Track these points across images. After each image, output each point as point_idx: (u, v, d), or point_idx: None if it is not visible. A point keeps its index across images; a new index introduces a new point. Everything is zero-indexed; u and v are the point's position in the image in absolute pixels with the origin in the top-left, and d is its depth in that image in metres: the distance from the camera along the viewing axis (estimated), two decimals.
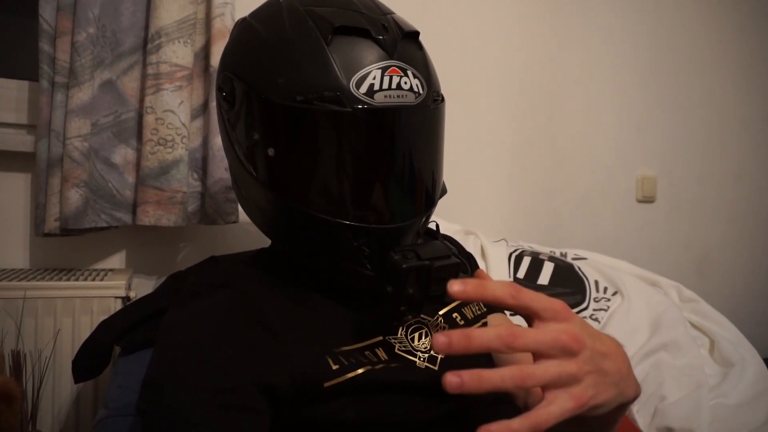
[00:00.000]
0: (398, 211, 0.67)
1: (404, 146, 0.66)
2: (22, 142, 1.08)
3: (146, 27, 1.07)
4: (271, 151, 0.64)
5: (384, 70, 0.63)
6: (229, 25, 1.08)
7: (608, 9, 1.65)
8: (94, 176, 1.04)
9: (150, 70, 1.04)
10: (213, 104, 1.08)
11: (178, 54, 1.05)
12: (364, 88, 0.62)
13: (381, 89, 0.62)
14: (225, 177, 1.09)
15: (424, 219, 0.70)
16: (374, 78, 0.62)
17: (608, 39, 1.66)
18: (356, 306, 0.70)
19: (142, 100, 1.06)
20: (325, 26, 0.63)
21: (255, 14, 0.72)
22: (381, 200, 0.66)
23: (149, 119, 1.04)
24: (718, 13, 1.84)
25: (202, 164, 1.11)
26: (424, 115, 0.67)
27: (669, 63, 1.76)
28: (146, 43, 1.06)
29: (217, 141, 1.08)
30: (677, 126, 1.78)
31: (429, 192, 0.71)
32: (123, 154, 1.07)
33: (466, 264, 0.65)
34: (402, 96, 0.64)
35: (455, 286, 0.48)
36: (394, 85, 0.63)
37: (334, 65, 0.62)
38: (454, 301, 0.79)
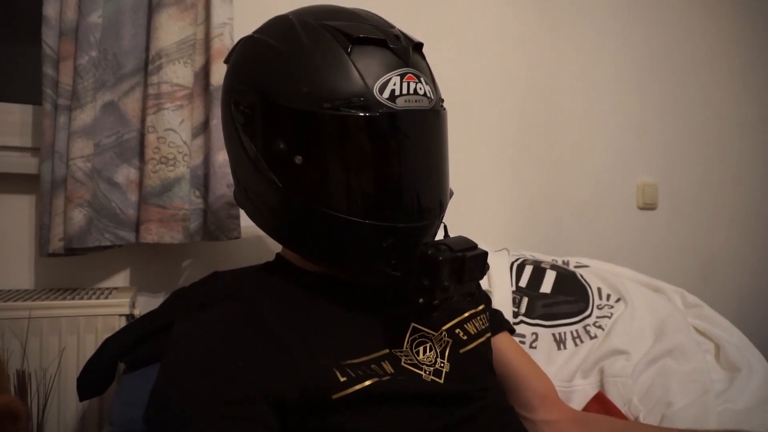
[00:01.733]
0: (423, 210, 0.70)
1: (424, 148, 0.70)
2: (26, 164, 1.09)
3: (147, 49, 1.09)
4: (298, 159, 0.67)
5: (402, 76, 0.67)
6: (228, 44, 1.10)
7: (605, 17, 1.67)
8: (97, 196, 1.05)
9: (151, 91, 1.06)
10: (214, 122, 1.10)
11: (179, 74, 1.07)
12: (386, 94, 0.66)
13: (402, 94, 0.66)
14: (227, 194, 1.10)
15: (440, 219, 0.74)
16: (395, 84, 0.66)
17: (606, 47, 1.67)
18: (361, 317, 0.70)
19: (143, 120, 1.08)
20: (343, 37, 0.67)
21: (263, 31, 0.74)
22: (408, 200, 0.70)
23: (151, 138, 1.06)
24: (715, 18, 1.85)
25: (203, 181, 1.13)
26: (437, 119, 0.71)
27: (667, 69, 1.77)
28: (147, 65, 1.08)
29: (218, 158, 1.10)
30: (677, 132, 1.79)
31: (445, 192, 0.75)
32: (125, 174, 1.09)
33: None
34: (419, 100, 0.68)
35: None
36: (411, 91, 0.67)
37: (357, 73, 0.65)
38: (460, 315, 0.80)
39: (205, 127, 1.13)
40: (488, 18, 1.52)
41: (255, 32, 0.75)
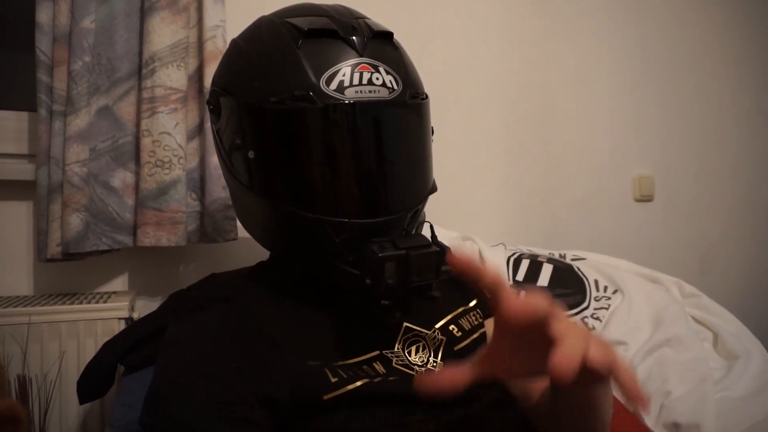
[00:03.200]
0: (376, 206, 0.67)
1: (380, 140, 0.67)
2: (22, 171, 1.10)
3: (140, 53, 1.09)
4: (251, 154, 0.67)
5: (354, 67, 0.65)
6: (221, 47, 1.11)
7: (600, 10, 1.67)
8: (94, 200, 1.06)
9: (145, 95, 1.06)
10: (208, 125, 1.10)
11: (172, 77, 1.08)
12: (334, 85, 0.64)
13: (351, 85, 0.64)
14: (223, 196, 1.10)
15: (410, 216, 0.70)
16: (344, 75, 0.64)
17: (600, 39, 1.68)
18: (352, 318, 0.70)
19: (138, 124, 1.09)
20: (295, 31, 0.67)
21: (241, 34, 0.76)
22: (357, 195, 0.67)
23: (146, 142, 1.06)
24: (709, 11, 1.86)
25: (199, 184, 1.13)
26: (401, 111, 0.68)
27: (660, 61, 1.78)
28: (141, 69, 1.08)
29: (213, 160, 1.10)
30: (671, 124, 1.79)
31: (412, 187, 0.71)
32: (122, 178, 1.09)
33: (445, 252, 0.66)
34: (374, 91, 0.65)
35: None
36: (365, 81, 0.65)
37: (305, 66, 0.65)
38: (451, 312, 0.79)
39: (200, 129, 1.14)
40: (482, 13, 1.53)
41: (238, 36, 0.77)
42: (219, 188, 1.10)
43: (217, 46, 1.11)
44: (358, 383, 0.63)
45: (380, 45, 0.70)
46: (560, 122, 1.63)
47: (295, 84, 0.64)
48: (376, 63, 0.66)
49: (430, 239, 0.66)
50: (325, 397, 0.61)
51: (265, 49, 0.68)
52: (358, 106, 0.65)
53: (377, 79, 0.66)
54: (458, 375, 0.50)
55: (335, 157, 0.66)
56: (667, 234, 1.77)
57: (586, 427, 0.63)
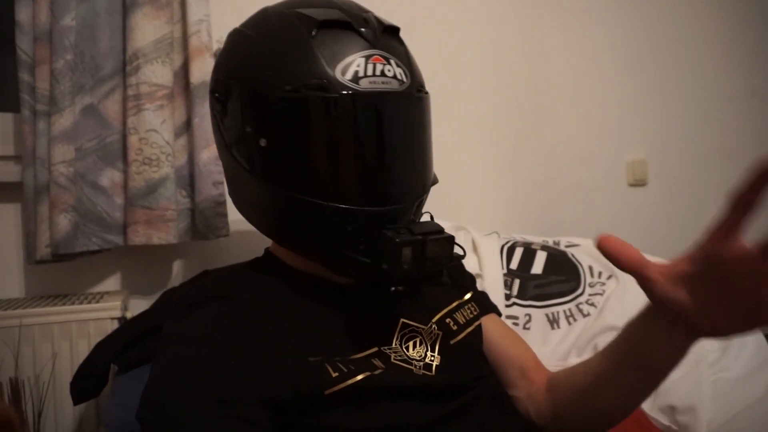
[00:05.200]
0: (388, 194, 0.68)
1: (391, 130, 0.68)
2: (9, 172, 1.08)
3: (124, 50, 1.08)
4: (263, 142, 0.67)
5: (367, 58, 0.66)
6: (206, 41, 1.09)
7: None
8: (82, 200, 1.05)
9: (130, 92, 1.05)
10: (196, 121, 1.09)
11: (157, 74, 1.06)
12: (349, 75, 0.65)
13: (366, 75, 0.65)
14: (213, 192, 1.10)
15: (416, 205, 0.71)
16: (358, 65, 0.65)
17: (593, 24, 1.66)
18: (349, 315, 0.70)
19: (124, 122, 1.07)
20: (309, 22, 0.67)
21: (245, 23, 0.76)
22: (369, 183, 0.68)
23: (133, 140, 1.05)
24: None
25: (189, 181, 1.12)
26: (410, 102, 0.70)
27: (653, 45, 1.76)
28: (125, 66, 1.07)
29: (203, 157, 1.09)
30: (664, 107, 1.79)
31: (419, 178, 0.72)
32: (110, 177, 1.08)
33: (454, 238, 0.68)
34: (386, 82, 0.67)
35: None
36: (378, 72, 0.66)
37: (320, 56, 0.65)
38: (447, 306, 0.79)
39: (187, 126, 1.12)
40: (471, 2, 1.52)
41: (240, 25, 0.77)
42: (209, 185, 1.09)
43: (202, 40, 1.09)
44: (359, 377, 0.63)
45: (389, 39, 0.71)
46: (552, 109, 1.62)
47: (310, 73, 0.65)
48: (387, 55, 0.68)
49: (440, 225, 0.67)
50: (327, 392, 0.61)
51: (277, 39, 0.68)
52: (373, 96, 0.66)
53: (389, 71, 0.67)
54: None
55: (349, 145, 0.67)
56: (661, 218, 1.77)
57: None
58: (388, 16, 0.75)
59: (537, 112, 1.60)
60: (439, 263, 0.65)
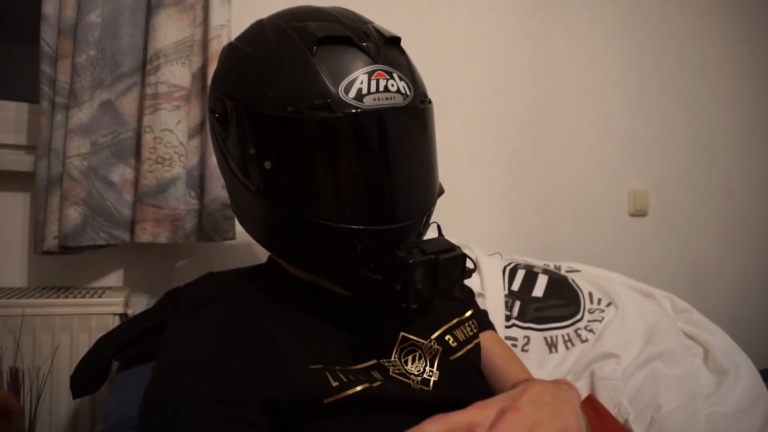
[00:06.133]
0: (398, 211, 0.67)
1: (397, 146, 0.67)
2: (21, 162, 1.09)
3: (145, 49, 1.09)
4: (267, 164, 0.66)
5: (370, 74, 0.65)
6: None
7: (597, 26, 1.69)
8: (92, 195, 1.05)
9: (148, 91, 1.06)
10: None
11: (176, 75, 1.08)
12: (352, 93, 0.63)
13: (369, 93, 0.64)
14: (222, 195, 1.10)
15: (425, 219, 0.71)
16: (361, 83, 0.64)
17: (599, 55, 1.70)
18: (349, 327, 0.71)
19: (140, 120, 1.08)
20: (308, 38, 0.65)
21: (240, 37, 0.74)
22: (379, 201, 0.66)
23: (147, 138, 1.06)
24: (706, 29, 1.88)
25: (199, 182, 1.13)
26: (414, 115, 0.69)
27: (659, 79, 1.80)
28: (145, 65, 1.08)
29: (214, 159, 1.10)
30: (667, 140, 1.81)
31: (427, 190, 0.72)
32: (121, 173, 1.09)
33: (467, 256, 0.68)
34: (390, 98, 0.65)
35: None
36: (381, 88, 0.65)
37: (321, 74, 0.64)
38: (448, 322, 0.80)
39: (201, 128, 1.14)
40: (483, 24, 1.54)
41: (235, 39, 0.75)
42: (218, 187, 1.10)
43: (222, 45, 1.10)
44: (359, 388, 0.63)
45: (391, 50, 0.70)
46: (558, 134, 1.64)
47: (313, 92, 0.63)
48: (390, 69, 0.66)
49: (450, 241, 0.67)
50: (326, 401, 0.61)
51: (276, 56, 0.66)
52: (378, 113, 0.65)
53: (392, 85, 0.66)
54: None
55: (358, 165, 0.66)
56: (660, 249, 1.79)
57: None
58: (401, 34, 0.73)
59: (542, 136, 1.62)
60: (452, 280, 0.64)
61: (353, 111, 0.63)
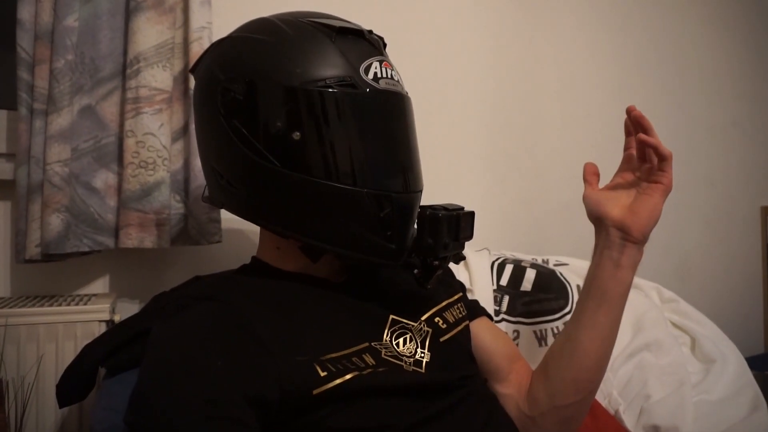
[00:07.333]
0: (413, 180, 0.76)
1: (405, 125, 0.77)
2: (1, 170, 1.07)
3: (125, 53, 1.08)
4: (296, 135, 0.69)
5: (381, 62, 0.74)
6: None
7: (583, 20, 1.71)
8: (75, 201, 1.04)
9: (129, 95, 1.05)
10: (193, 126, 1.09)
11: (157, 78, 1.07)
12: (371, 75, 0.72)
13: (383, 77, 0.73)
14: None
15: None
16: (376, 68, 0.73)
17: (584, 49, 1.71)
18: (340, 310, 0.71)
19: (122, 125, 1.07)
20: (326, 28, 0.73)
21: (245, 30, 0.77)
22: (400, 170, 0.75)
23: (130, 143, 1.05)
24: (688, 25, 1.91)
25: (184, 186, 1.12)
26: (410, 104, 0.79)
27: (642, 72, 1.82)
28: (125, 69, 1.07)
29: (199, 162, 1.09)
30: None
31: (420, 170, 0.81)
32: (104, 179, 1.08)
33: None
34: (395, 85, 0.75)
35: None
36: (389, 75, 0.74)
37: (344, 57, 0.71)
38: (437, 305, 0.81)
39: (184, 131, 1.12)
40: (466, 19, 1.55)
41: (233, 33, 0.77)
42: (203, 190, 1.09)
43: (203, 47, 1.10)
44: (348, 376, 0.63)
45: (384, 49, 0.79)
46: (544, 129, 1.65)
47: (340, 72, 0.70)
48: (391, 62, 0.76)
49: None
50: (315, 392, 0.61)
51: (299, 40, 0.72)
52: (392, 95, 0.74)
53: (395, 75, 0.76)
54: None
55: (380, 136, 0.74)
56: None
57: (617, 317, 0.79)
58: (382, 32, 0.80)
59: (528, 131, 1.63)
60: (467, 235, 0.75)
61: (374, 89, 0.72)
